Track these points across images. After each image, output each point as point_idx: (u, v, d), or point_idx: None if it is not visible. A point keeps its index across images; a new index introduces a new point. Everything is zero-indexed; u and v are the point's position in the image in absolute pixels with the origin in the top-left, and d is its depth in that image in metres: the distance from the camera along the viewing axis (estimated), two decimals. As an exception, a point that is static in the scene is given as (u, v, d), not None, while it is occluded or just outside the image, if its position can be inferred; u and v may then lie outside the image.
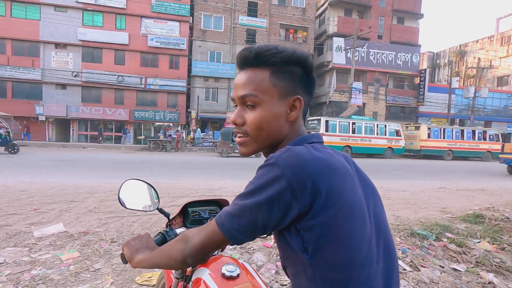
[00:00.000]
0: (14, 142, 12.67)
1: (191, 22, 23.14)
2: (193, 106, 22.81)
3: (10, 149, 12.40)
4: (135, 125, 22.95)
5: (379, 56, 25.82)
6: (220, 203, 1.20)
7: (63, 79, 21.03)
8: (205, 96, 23.63)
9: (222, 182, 7.17)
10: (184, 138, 20.89)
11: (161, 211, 1.00)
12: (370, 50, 25.40)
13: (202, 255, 0.62)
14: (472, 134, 19.77)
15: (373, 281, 0.57)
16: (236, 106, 0.69)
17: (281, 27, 24.90)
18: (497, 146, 20.31)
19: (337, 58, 24.70)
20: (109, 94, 22.02)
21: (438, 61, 38.11)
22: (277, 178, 0.54)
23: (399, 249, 2.95)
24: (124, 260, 0.78)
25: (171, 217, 1.07)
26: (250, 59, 0.64)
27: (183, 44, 22.70)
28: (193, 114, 22.39)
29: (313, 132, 0.64)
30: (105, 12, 21.51)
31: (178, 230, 0.96)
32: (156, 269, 2.39)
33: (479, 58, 27.94)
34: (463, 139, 19.51)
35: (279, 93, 0.64)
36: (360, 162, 14.73)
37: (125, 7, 21.62)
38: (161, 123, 22.59)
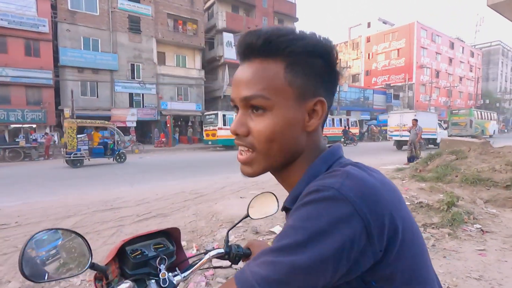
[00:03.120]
0: None
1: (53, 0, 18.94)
2: (66, 102, 18.93)
3: None
4: (-24, 129, 17.26)
5: (266, 53, 27.94)
6: (168, 233, 0.93)
7: None
8: (82, 90, 19.99)
9: (118, 191, 6.24)
10: (56, 142, 17.16)
11: (95, 267, 0.69)
12: (257, 47, 27.13)
13: None
14: (339, 121, 24.16)
15: None
16: (237, 109, 0.52)
17: (169, 17, 23.48)
18: (356, 130, 25.65)
19: (229, 53, 25.30)
20: None
21: (311, 60, 44.50)
22: (347, 218, 0.39)
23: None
24: None
25: (104, 263, 0.76)
26: (258, 47, 0.48)
27: (44, 26, 18.36)
28: (67, 113, 18.56)
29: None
30: None
31: (122, 287, 0.69)
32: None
33: (340, 59, 34.20)
34: (334, 126, 23.60)
35: (296, 94, 0.49)
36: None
37: None
38: (20, 125, 17.84)
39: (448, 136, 18.18)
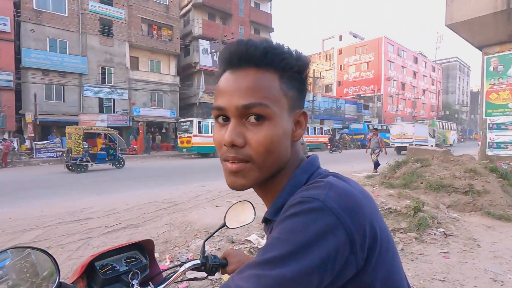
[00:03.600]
0: None
1: (16, -3, 17.84)
2: (28, 106, 17.72)
3: None
4: None
5: (242, 62, 28.14)
6: (141, 246, 0.88)
7: None
8: (46, 94, 18.83)
9: (85, 201, 5.90)
10: (16, 149, 15.94)
11: (62, 287, 0.64)
12: (233, 55, 27.27)
13: None
14: (314, 130, 24.75)
15: None
16: (223, 118, 0.50)
17: (143, 22, 22.99)
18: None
19: (204, 60, 25.18)
20: None
21: (286, 69, 45.48)
22: (332, 229, 0.39)
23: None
24: None
25: (70, 281, 0.71)
26: (257, 56, 0.47)
27: (5, 24, 17.22)
28: (29, 117, 17.36)
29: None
30: None
31: None
32: None
33: (314, 70, 35.30)
34: (308, 134, 24.13)
35: (289, 104, 0.50)
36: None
37: None
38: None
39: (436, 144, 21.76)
